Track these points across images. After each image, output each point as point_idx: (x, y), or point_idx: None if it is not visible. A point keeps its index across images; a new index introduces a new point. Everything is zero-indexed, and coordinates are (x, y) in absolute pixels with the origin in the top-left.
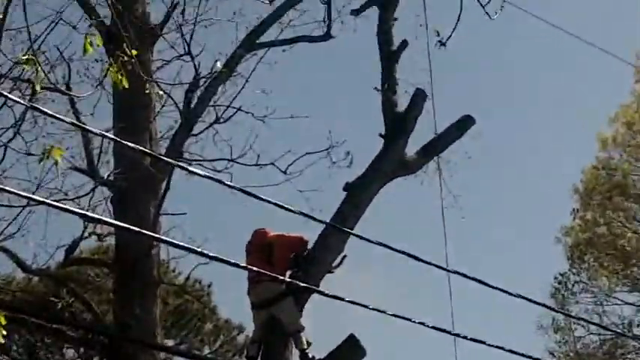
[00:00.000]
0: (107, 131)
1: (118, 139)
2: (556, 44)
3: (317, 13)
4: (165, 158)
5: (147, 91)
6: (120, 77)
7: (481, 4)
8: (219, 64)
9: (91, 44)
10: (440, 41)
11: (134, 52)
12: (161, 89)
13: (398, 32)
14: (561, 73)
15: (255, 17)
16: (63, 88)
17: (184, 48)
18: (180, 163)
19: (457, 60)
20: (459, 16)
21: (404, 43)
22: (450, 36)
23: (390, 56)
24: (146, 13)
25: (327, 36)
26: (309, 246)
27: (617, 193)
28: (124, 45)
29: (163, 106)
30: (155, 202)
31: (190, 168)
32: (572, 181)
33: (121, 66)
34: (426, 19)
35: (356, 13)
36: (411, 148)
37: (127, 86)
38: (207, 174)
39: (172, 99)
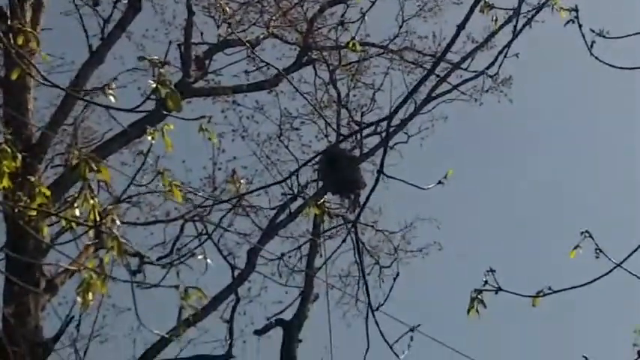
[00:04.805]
0: None
1: None
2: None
3: (219, 332)
4: None
5: None
6: None
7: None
8: None
9: None
10: None
11: None
12: None
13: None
14: None
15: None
16: None
17: None
18: None
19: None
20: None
21: None
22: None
23: None
24: (39, 326)
25: (228, 355)
26: None
27: None
28: None
29: None
30: None
31: None
32: None
33: None
34: (330, 340)
35: (259, 333)
36: None
37: None
38: None
39: None
